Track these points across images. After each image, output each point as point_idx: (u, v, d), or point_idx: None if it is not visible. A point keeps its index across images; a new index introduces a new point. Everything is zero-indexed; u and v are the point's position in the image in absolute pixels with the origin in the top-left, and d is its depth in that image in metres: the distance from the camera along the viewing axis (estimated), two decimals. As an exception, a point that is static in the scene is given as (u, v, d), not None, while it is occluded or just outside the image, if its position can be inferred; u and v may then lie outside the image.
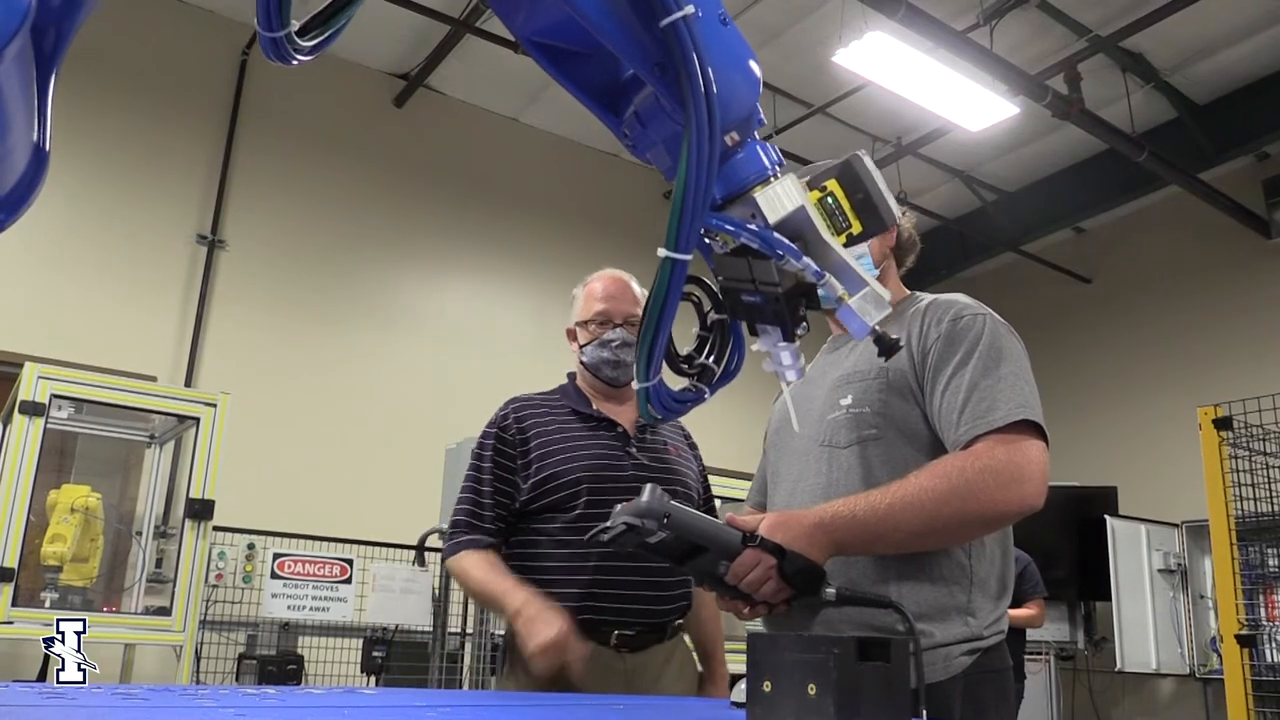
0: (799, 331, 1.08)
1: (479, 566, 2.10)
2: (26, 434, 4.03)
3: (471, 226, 7.44)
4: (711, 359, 1.12)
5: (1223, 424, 4.24)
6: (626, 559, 1.98)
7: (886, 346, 1.12)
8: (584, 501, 2.09)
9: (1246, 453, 4.38)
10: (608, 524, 1.31)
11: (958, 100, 6.29)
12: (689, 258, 0.94)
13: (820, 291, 1.05)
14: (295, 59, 0.93)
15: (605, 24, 0.93)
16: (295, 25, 0.92)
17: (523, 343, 7.39)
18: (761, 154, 1.04)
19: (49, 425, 4.21)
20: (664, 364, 1.04)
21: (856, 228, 1.09)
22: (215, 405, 4.47)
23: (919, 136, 7.38)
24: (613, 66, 1.07)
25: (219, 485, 4.39)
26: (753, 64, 1.01)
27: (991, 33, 6.04)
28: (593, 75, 1.08)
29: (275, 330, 6.49)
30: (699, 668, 2.28)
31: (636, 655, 2.07)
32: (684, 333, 1.05)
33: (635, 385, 1.02)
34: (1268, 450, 4.45)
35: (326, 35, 0.95)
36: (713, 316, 1.13)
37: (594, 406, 2.26)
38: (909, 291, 1.83)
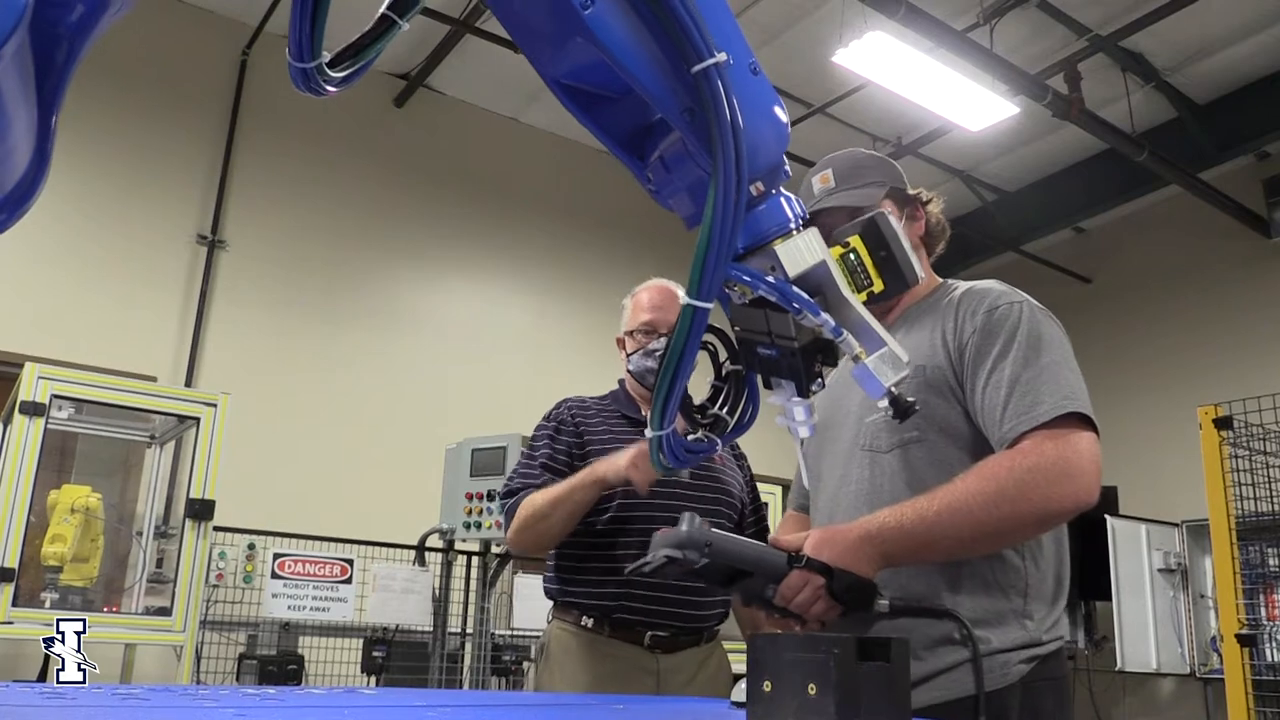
0: (814, 388, 1.06)
1: (541, 494, 2.13)
2: (27, 434, 4.03)
3: (472, 226, 7.44)
4: (725, 410, 1.10)
5: (1223, 423, 4.24)
6: None
7: (901, 410, 1.09)
8: (618, 504, 2.14)
9: (1247, 452, 4.37)
10: (648, 558, 1.29)
11: (958, 100, 6.29)
12: (710, 306, 0.92)
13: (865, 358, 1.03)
14: (326, 90, 0.93)
15: (638, 69, 0.93)
16: (327, 56, 0.91)
17: (523, 343, 7.40)
18: (785, 206, 1.02)
19: (49, 425, 4.20)
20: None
21: (878, 286, 1.08)
22: (215, 405, 4.47)
23: (919, 136, 7.38)
24: (639, 111, 1.06)
25: (219, 485, 4.39)
26: (781, 114, 1.00)
27: (991, 32, 6.04)
28: (618, 119, 1.07)
29: (275, 330, 6.49)
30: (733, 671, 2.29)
31: (670, 657, 2.10)
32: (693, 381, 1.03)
33: (648, 433, 1.00)
34: (1268, 450, 4.45)
35: (357, 67, 0.94)
36: (728, 367, 1.11)
37: (642, 412, 2.32)
38: (941, 280, 1.77)
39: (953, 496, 1.40)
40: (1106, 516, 6.80)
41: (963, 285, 1.69)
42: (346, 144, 7.00)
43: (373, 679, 4.84)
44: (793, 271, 1.00)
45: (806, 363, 1.04)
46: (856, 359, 1.03)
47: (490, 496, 4.39)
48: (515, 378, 7.00)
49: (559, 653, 2.15)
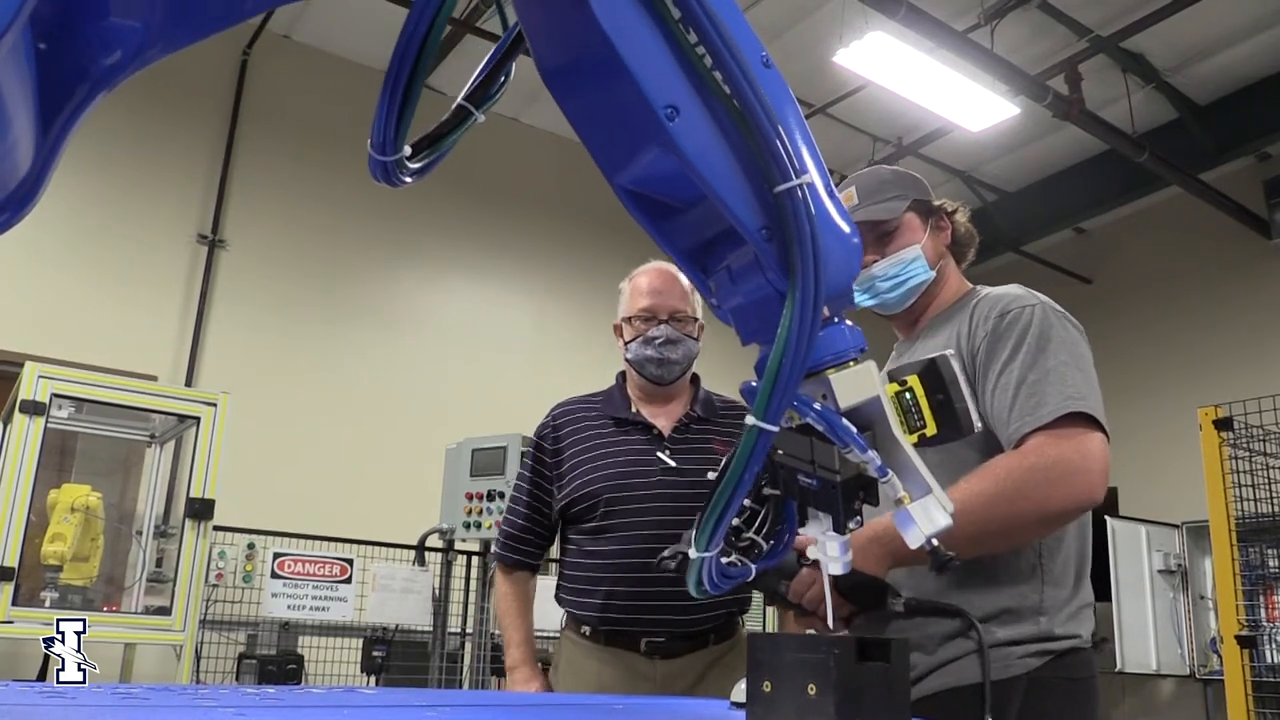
0: (851, 525, 1.02)
1: (503, 597, 2.28)
2: (27, 433, 4.03)
3: (472, 226, 7.44)
4: (761, 535, 1.07)
5: (1223, 424, 4.24)
6: (649, 570, 2.01)
7: (940, 563, 1.07)
8: (601, 513, 2.12)
9: (1247, 453, 4.38)
10: (666, 553, 1.29)
11: (958, 100, 6.29)
12: (777, 429, 0.90)
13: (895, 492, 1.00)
14: (403, 181, 0.92)
15: (720, 183, 0.90)
16: (407, 150, 0.91)
17: (523, 343, 7.40)
18: (846, 334, 1.00)
19: (49, 425, 4.20)
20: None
21: (931, 429, 1.04)
22: (216, 405, 4.47)
23: (920, 137, 7.38)
24: (706, 223, 1.02)
25: (219, 485, 4.39)
26: (851, 233, 0.98)
27: (992, 33, 6.04)
28: (685, 231, 1.04)
29: (275, 330, 6.49)
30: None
31: (669, 662, 2.08)
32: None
33: (693, 554, 0.96)
34: (1268, 451, 4.45)
35: (435, 157, 0.94)
36: (767, 491, 1.08)
37: (633, 409, 2.25)
38: (970, 286, 1.80)
39: (955, 497, 1.40)
40: (1107, 517, 6.81)
41: (985, 290, 1.72)
42: (347, 144, 6.96)
43: (372, 679, 4.84)
44: (844, 403, 0.97)
45: (846, 498, 0.99)
46: (899, 502, 1.00)
47: (490, 496, 4.39)
48: (515, 378, 7.00)
49: (564, 661, 2.17)
